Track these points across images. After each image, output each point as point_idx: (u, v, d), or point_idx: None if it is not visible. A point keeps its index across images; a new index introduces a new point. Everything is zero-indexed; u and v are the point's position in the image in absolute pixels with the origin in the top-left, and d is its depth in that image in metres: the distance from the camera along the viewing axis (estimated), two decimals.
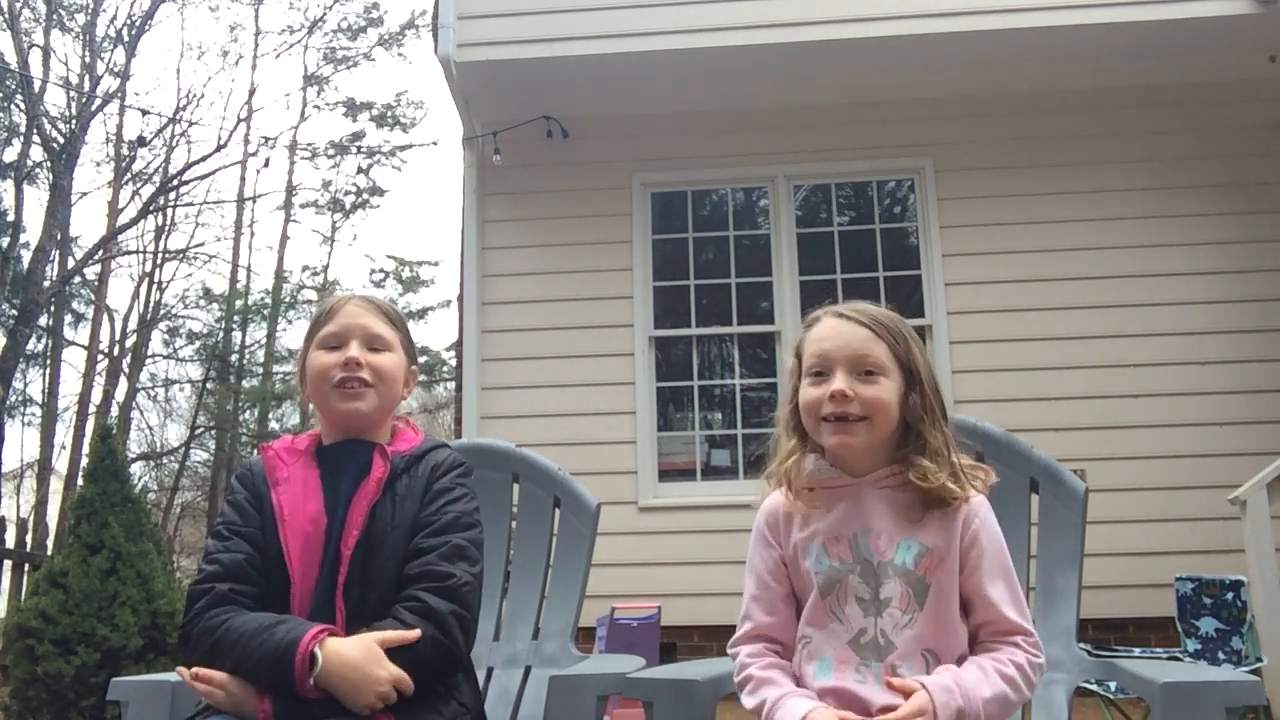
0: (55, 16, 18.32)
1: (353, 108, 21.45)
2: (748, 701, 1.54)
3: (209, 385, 20.09)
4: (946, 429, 1.58)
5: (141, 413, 20.32)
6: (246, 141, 20.53)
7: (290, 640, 1.44)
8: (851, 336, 1.56)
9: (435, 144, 26.98)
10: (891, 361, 1.55)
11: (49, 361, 18.08)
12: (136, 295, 20.02)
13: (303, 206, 22.31)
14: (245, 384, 20.27)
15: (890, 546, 1.53)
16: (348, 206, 22.34)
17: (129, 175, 19.39)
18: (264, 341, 21.11)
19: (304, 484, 1.64)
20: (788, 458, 1.61)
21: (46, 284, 16.76)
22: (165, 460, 20.95)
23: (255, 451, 1.68)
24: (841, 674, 1.50)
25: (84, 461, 6.62)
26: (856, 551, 1.55)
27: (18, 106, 17.16)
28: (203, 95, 26.56)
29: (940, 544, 1.52)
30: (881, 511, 1.55)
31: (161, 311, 20.24)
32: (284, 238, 21.76)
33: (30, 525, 7.89)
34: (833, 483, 1.59)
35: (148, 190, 19.53)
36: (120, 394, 19.01)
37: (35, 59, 17.96)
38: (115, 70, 19.01)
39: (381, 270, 22.27)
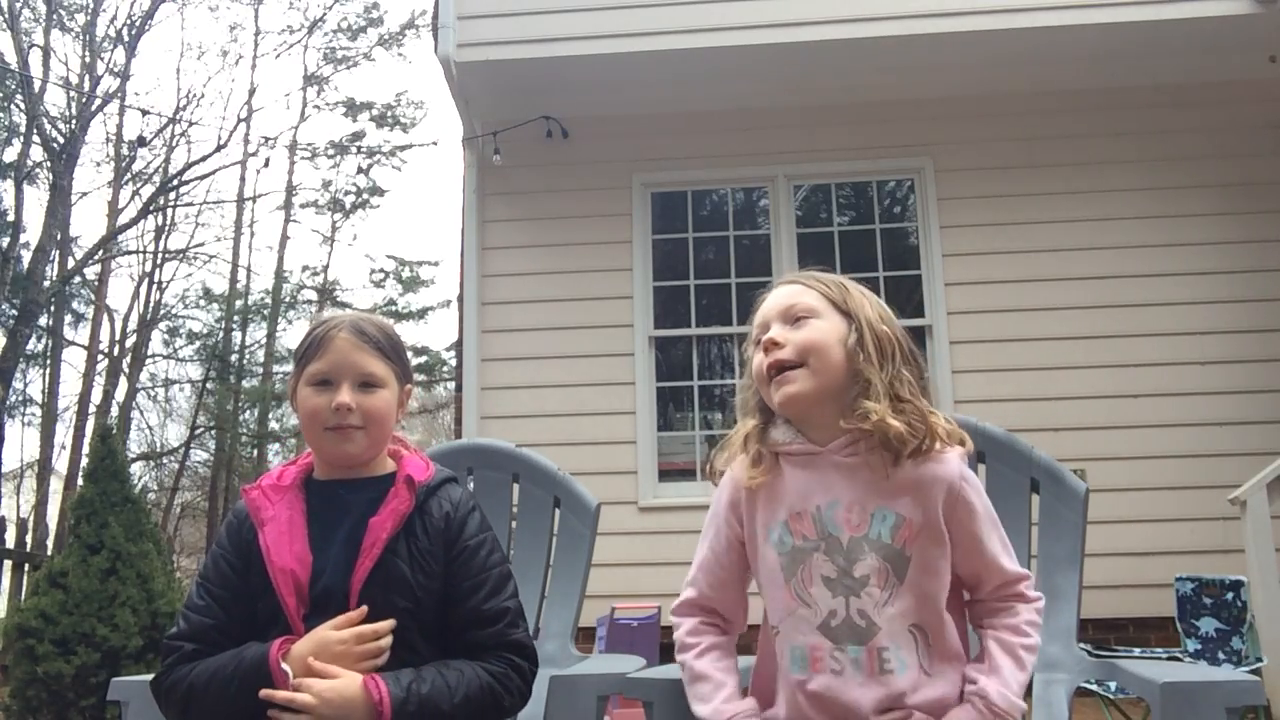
0: (55, 16, 18.34)
1: (353, 108, 21.45)
2: (688, 692, 1.55)
3: (209, 385, 20.10)
4: (902, 371, 1.51)
5: (141, 413, 20.36)
6: (246, 141, 20.57)
7: (261, 650, 1.51)
8: (782, 294, 1.60)
9: (435, 144, 26.98)
10: (825, 305, 1.55)
11: (49, 361, 18.10)
12: (136, 295, 20.07)
13: (303, 206, 22.33)
14: (245, 384, 20.27)
15: (863, 520, 1.47)
16: (348, 206, 22.34)
17: (129, 175, 19.40)
18: (264, 341, 21.12)
19: (288, 522, 1.61)
20: (748, 428, 1.60)
21: (46, 284, 16.76)
22: (165, 460, 20.97)
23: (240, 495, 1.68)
24: (817, 664, 1.45)
25: (84, 461, 6.62)
26: (820, 526, 1.49)
27: (18, 106, 17.17)
28: (203, 95, 26.64)
29: (917, 513, 1.47)
30: (847, 482, 1.49)
31: (161, 311, 20.27)
32: (284, 238, 21.78)
33: (30, 525, 7.88)
34: (795, 449, 1.54)
35: (148, 190, 19.57)
36: (120, 394, 19.03)
37: (35, 59, 18.00)
38: (115, 70, 19.03)
39: (381, 270, 22.25)
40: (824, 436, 1.53)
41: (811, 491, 1.51)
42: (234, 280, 20.96)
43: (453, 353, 17.76)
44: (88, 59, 18.79)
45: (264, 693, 1.46)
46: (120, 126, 19.41)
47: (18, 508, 18.69)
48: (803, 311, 1.54)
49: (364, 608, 1.53)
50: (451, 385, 18.86)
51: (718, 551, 1.61)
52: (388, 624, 1.53)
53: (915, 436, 1.45)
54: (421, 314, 21.59)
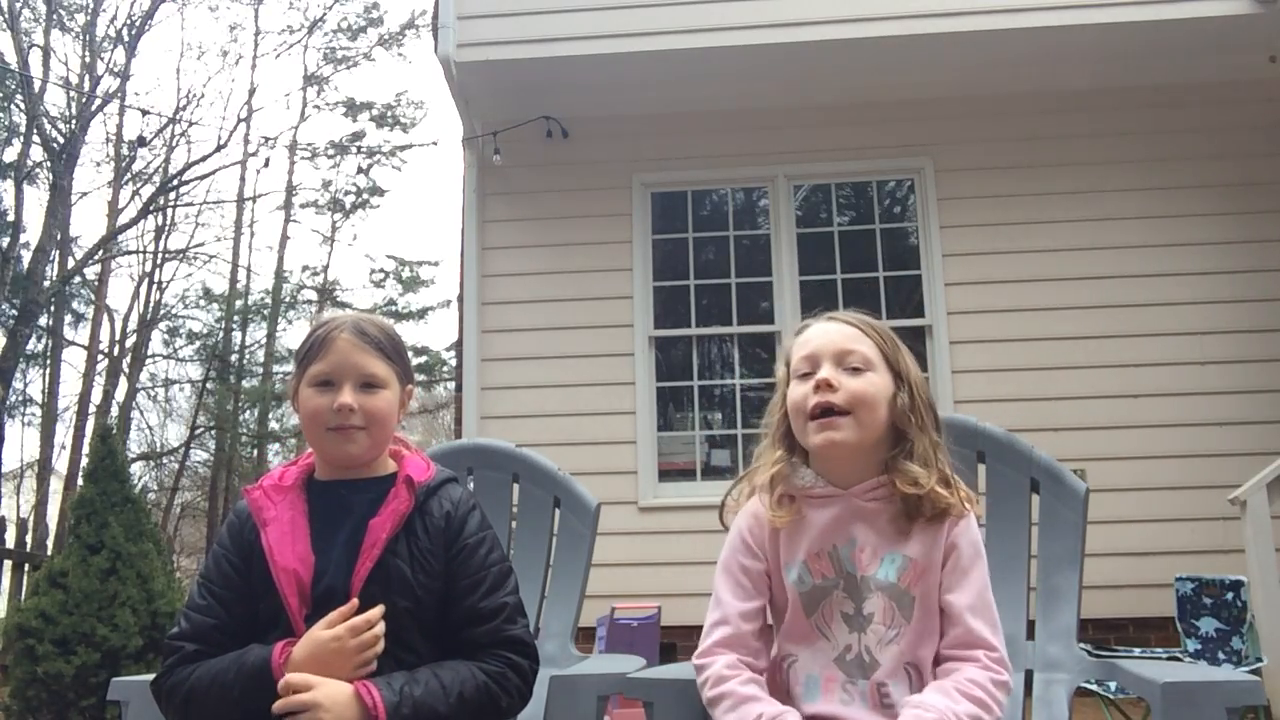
0: (55, 16, 18.33)
1: (353, 108, 21.45)
2: (739, 715, 1.46)
3: (209, 385, 20.09)
4: (938, 439, 1.56)
5: (141, 413, 20.36)
6: (246, 141, 20.57)
7: (264, 653, 1.50)
8: (837, 333, 1.57)
9: (435, 144, 26.99)
10: (879, 359, 1.55)
11: (49, 361, 18.09)
12: (136, 295, 20.06)
13: (303, 206, 22.34)
14: (245, 384, 20.27)
15: (874, 561, 1.51)
16: (348, 206, 22.34)
17: (129, 175, 19.39)
18: (264, 341, 21.12)
19: (291, 523, 1.61)
20: (774, 465, 1.58)
21: (46, 284, 16.75)
22: (165, 460, 20.96)
23: (241, 495, 1.69)
24: (828, 694, 1.48)
25: (84, 461, 6.62)
26: (839, 566, 1.52)
27: (18, 106, 17.16)
28: (203, 95, 26.64)
29: (922, 554, 1.50)
30: (867, 524, 1.53)
31: (161, 311, 20.26)
32: (284, 238, 21.78)
33: (30, 525, 7.88)
34: (817, 493, 1.56)
35: (148, 190, 19.56)
36: (120, 394, 19.03)
37: (35, 59, 17.99)
38: (115, 70, 19.03)
39: (381, 270, 22.26)
40: (846, 480, 1.55)
41: (832, 532, 1.54)
42: (234, 280, 20.98)
43: (453, 353, 17.76)
44: (88, 59, 18.79)
45: (278, 706, 1.45)
46: (120, 126, 19.43)
47: (18, 508, 18.69)
48: (859, 362, 1.54)
49: (355, 601, 1.52)
50: (451, 385, 18.86)
51: (748, 588, 1.57)
52: (378, 610, 1.52)
53: (951, 501, 1.50)
54: (421, 314, 21.61)
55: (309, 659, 1.48)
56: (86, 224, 48.47)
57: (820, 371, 1.52)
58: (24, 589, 6.21)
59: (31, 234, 17.31)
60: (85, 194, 24.11)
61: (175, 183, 19.65)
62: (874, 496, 1.53)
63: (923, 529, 1.51)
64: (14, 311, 16.00)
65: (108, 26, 19.07)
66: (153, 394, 20.71)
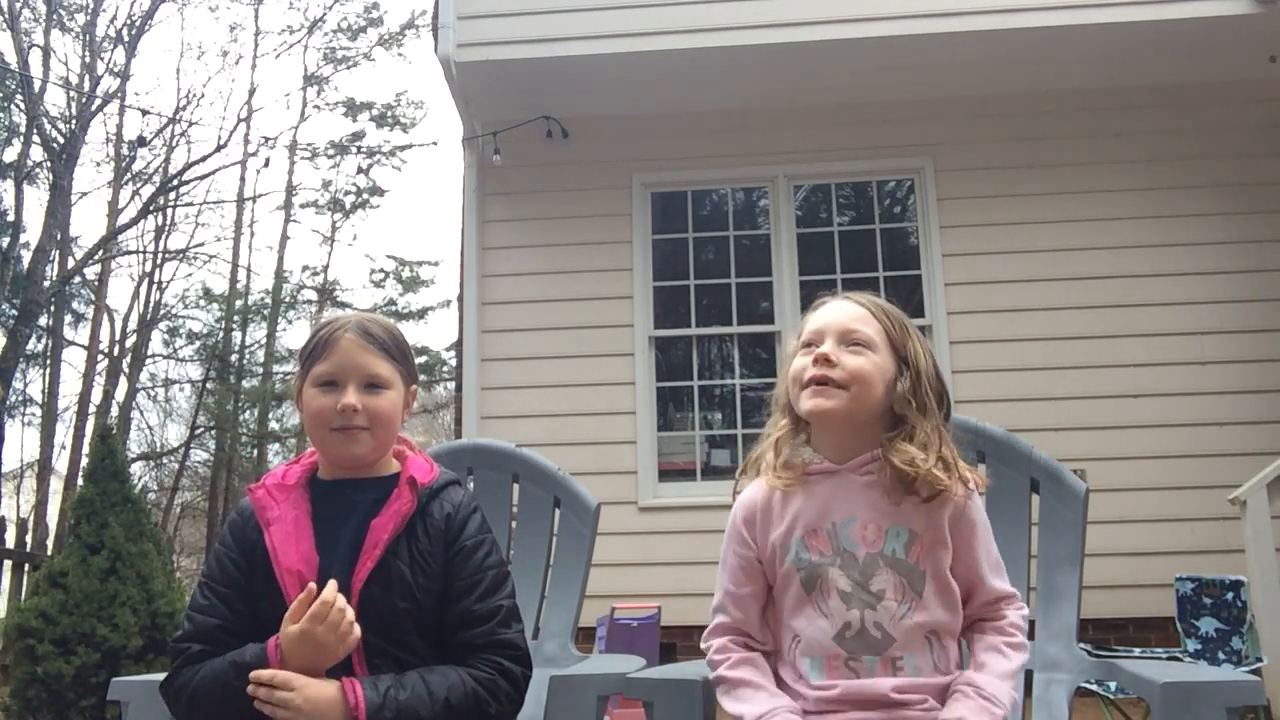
0: (55, 16, 18.32)
1: (353, 108, 21.45)
2: (726, 704, 1.54)
3: (209, 385, 20.09)
4: (944, 426, 1.58)
5: (141, 413, 20.35)
6: (246, 141, 20.55)
7: (259, 651, 1.50)
8: (845, 312, 1.60)
9: (435, 144, 26.95)
10: (883, 341, 1.58)
11: (49, 361, 18.09)
12: (136, 295, 20.05)
13: (303, 206, 22.34)
14: (245, 384, 20.26)
15: (878, 536, 1.52)
16: (348, 206, 22.34)
17: (129, 175, 19.38)
18: (264, 341, 21.11)
19: (295, 523, 1.61)
20: (778, 434, 1.62)
21: (46, 284, 16.75)
22: (165, 460, 20.95)
23: (245, 494, 1.69)
24: (832, 671, 1.49)
25: (84, 461, 6.62)
26: (835, 542, 1.54)
27: (18, 106, 17.15)
28: (203, 95, 26.66)
29: (927, 530, 1.52)
30: (863, 499, 1.54)
31: (161, 311, 20.25)
32: (284, 238, 21.78)
33: (30, 525, 7.89)
34: (815, 469, 1.58)
35: (148, 190, 19.55)
36: (120, 394, 19.02)
37: (35, 59, 17.97)
38: (115, 70, 19.02)
39: (381, 270, 22.27)
40: (841, 455, 1.58)
41: (828, 508, 1.56)
42: (234, 280, 20.98)
43: (453, 353, 17.77)
44: (88, 59, 18.78)
45: (254, 690, 1.45)
46: (120, 126, 19.42)
47: (18, 508, 18.70)
48: (861, 340, 1.57)
49: (311, 586, 1.48)
50: (451, 385, 18.86)
51: (738, 578, 1.61)
52: (331, 586, 1.48)
53: (946, 485, 1.51)
54: (421, 314, 21.62)
55: (294, 656, 1.48)
56: (86, 224, 48.48)
57: (822, 346, 1.56)
58: (24, 589, 6.21)
59: (31, 234, 17.32)
60: (85, 194, 24.14)
61: (175, 183, 19.65)
62: (868, 471, 1.56)
63: (920, 506, 1.52)
64: (14, 311, 15.99)
65: (108, 26, 19.09)
66: (153, 394, 20.72)
